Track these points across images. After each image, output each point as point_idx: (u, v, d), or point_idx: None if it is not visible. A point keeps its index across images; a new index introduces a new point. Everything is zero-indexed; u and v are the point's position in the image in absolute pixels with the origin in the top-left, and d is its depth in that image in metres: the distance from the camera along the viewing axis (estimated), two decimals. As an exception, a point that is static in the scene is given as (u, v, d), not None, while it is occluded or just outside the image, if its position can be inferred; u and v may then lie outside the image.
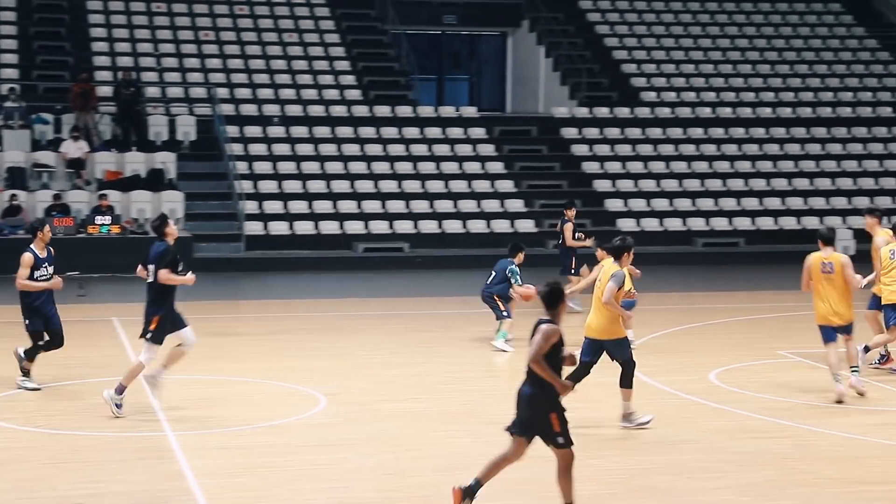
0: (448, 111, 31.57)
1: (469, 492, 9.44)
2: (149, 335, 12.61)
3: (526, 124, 31.75)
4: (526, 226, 28.03)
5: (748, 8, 36.65)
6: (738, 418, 13.00)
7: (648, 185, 29.66)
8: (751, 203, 29.29)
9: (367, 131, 29.95)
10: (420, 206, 28.10)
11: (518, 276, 17.08)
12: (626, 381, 12.42)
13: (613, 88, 32.75)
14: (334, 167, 28.89)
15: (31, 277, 13.82)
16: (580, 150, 30.49)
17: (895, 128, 32.12)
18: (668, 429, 12.55)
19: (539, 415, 9.28)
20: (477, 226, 27.98)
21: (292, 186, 28.14)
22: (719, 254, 27.85)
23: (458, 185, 28.93)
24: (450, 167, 29.40)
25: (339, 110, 30.49)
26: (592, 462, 11.27)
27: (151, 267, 12.66)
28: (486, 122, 31.31)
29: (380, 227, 27.56)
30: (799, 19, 36.35)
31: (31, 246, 13.97)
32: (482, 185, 29.05)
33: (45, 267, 13.89)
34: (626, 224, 28.38)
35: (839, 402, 13.50)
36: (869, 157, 31.04)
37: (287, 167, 28.65)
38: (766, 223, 28.82)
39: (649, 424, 12.43)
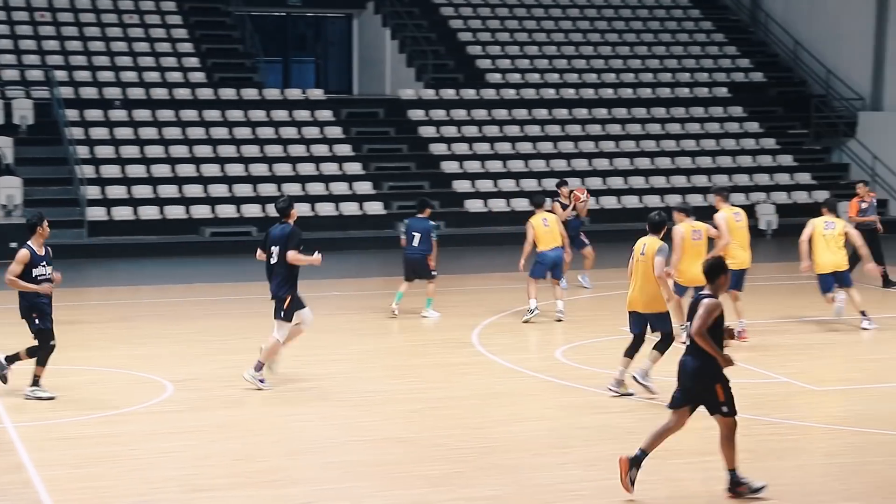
0: (294, 93, 31.34)
1: (636, 461, 9.80)
2: (282, 314, 13.17)
3: (373, 106, 31.73)
4: (375, 208, 28.05)
5: (589, -10, 37.27)
6: (584, 394, 13.26)
7: (495, 165, 29.96)
8: (594, 182, 29.79)
9: (213, 114, 29.56)
10: (268, 189, 27.88)
11: (437, 231, 18.07)
12: (662, 349, 12.82)
13: (459, 70, 32.96)
14: (179, 151, 28.44)
15: (29, 276, 12.67)
16: (427, 131, 30.62)
17: (730, 108, 33.03)
18: (516, 407, 12.75)
19: (704, 386, 9.67)
20: (325, 208, 27.88)
21: (136, 171, 27.62)
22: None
23: (306, 168, 28.78)
24: (297, 150, 29.22)
25: (182, 93, 30.01)
26: (441, 441, 11.38)
27: (275, 248, 13.07)
28: (333, 104, 31.19)
29: (227, 211, 27.25)
30: (638, 1, 37.09)
31: (29, 243, 12.82)
32: (330, 168, 28.96)
33: (44, 266, 12.81)
34: (475, 205, 28.63)
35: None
36: (706, 137, 31.88)
37: (130, 151, 28.10)
38: (609, 202, 29.38)
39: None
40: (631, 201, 29.52)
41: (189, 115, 29.37)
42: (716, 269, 9.65)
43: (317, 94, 31.68)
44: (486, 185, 29.26)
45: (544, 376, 14.12)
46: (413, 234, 17.86)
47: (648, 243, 12.81)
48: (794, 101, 33.74)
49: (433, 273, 17.87)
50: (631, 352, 12.99)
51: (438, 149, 30.17)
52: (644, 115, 32.25)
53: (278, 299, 13.19)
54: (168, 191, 27.39)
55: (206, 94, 30.11)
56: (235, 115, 29.72)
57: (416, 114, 31.08)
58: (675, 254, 14.66)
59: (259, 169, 28.43)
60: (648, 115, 32.28)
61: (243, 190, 27.81)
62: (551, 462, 10.80)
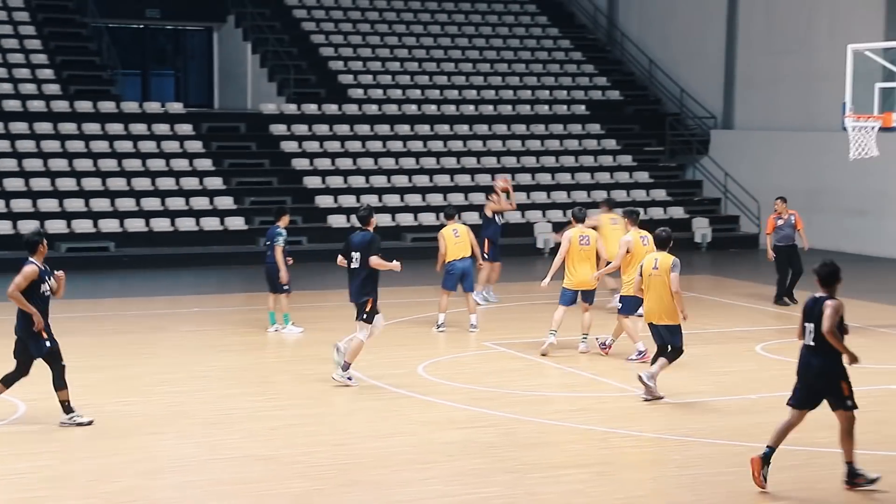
0: (153, 107, 30.89)
1: (765, 459, 10.37)
2: (364, 316, 13.99)
3: (234, 121, 31.48)
4: (236, 223, 27.79)
5: (450, 7, 37.59)
6: (446, 409, 13.34)
7: (358, 181, 29.96)
8: (456, 198, 30.00)
9: (68, 127, 28.95)
10: (126, 204, 27.41)
11: (282, 239, 17.51)
12: (671, 358, 13.62)
13: (321, 85, 32.91)
14: (33, 164, 27.77)
15: (33, 293, 12.08)
16: (290, 146, 30.49)
17: (589, 125, 33.63)
18: (377, 423, 12.77)
19: (830, 382, 10.35)
20: (186, 224, 27.52)
21: (-12, 185, 26.89)
22: (427, 248, 28.34)
23: (166, 183, 28.37)
24: (156, 164, 28.79)
25: (36, 105, 29.33)
26: (302, 458, 11.33)
27: (356, 254, 13.91)
28: (193, 118, 30.83)
29: (84, 226, 26.69)
30: (498, 19, 37.56)
31: (33, 259, 12.18)
32: (191, 183, 28.61)
33: (47, 282, 12.19)
34: (337, 220, 28.58)
35: (543, 354, 15.91)
36: (565, 154, 32.39)
37: (-19, 165, 27.36)
38: (471, 218, 29.52)
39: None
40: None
41: (44, 127, 28.72)
42: (834, 275, 10.41)
43: (176, 107, 31.28)
44: (348, 201, 29.24)
45: (406, 392, 14.16)
46: (266, 242, 17.96)
47: (661, 258, 13.59)
48: (649, 119, 34.52)
49: (284, 287, 17.65)
50: (655, 358, 13.77)
51: (301, 164, 30.06)
52: (505, 131, 32.62)
53: (360, 303, 14.03)
54: (22, 205, 26.74)
55: (61, 106, 29.48)
56: (92, 128, 29.16)
57: (278, 128, 30.92)
58: (558, 257, 16.08)
59: (117, 183, 27.93)
60: (509, 131, 32.67)
61: (100, 204, 27.29)
62: (413, 478, 10.84)
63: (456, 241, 17.99)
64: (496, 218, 21.09)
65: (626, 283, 15.56)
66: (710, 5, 33.87)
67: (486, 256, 20.40)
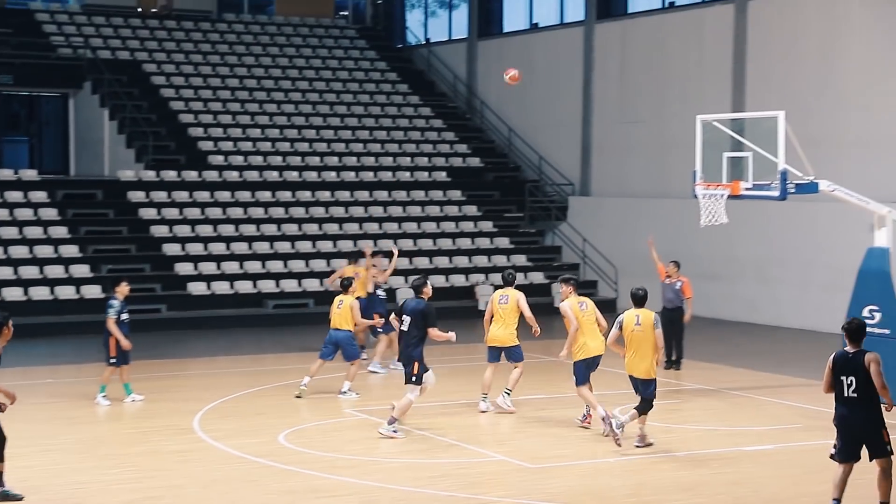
0: (6, 174, 30.22)
1: None
2: (413, 378, 14.97)
3: (91, 188, 30.93)
4: (93, 291, 27.24)
5: (311, 75, 37.75)
6: (306, 478, 13.22)
7: (219, 248, 29.70)
8: (319, 265, 29.96)
9: (-84, 195, 28.13)
10: (-23, 273, 26.66)
11: (114, 310, 17.17)
12: (642, 410, 14.52)
13: (180, 152, 32.64)
14: None
15: None
16: (148, 213, 30.10)
17: (450, 191, 33.97)
18: (236, 494, 12.59)
19: (874, 432, 11.10)
20: (40, 293, 26.88)
21: None
22: (290, 315, 28.24)
23: (19, 251, 27.71)
24: (9, 232, 28.12)
25: None
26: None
27: (407, 318, 15.00)
28: (48, 185, 30.23)
29: (-69, 296, 25.88)
30: (359, 87, 37.82)
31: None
32: (45, 251, 27.99)
33: None
34: (198, 288, 28.25)
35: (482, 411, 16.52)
36: (427, 220, 32.62)
37: None
38: (335, 283, 29.52)
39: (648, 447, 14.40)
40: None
41: None
42: (862, 329, 11.43)
43: (30, 174, 30.67)
44: (209, 268, 28.94)
45: (266, 461, 14.00)
46: None
47: (643, 315, 14.45)
48: (509, 185, 35.04)
49: (111, 359, 17.31)
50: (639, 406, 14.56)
51: (160, 231, 29.68)
52: (367, 198, 32.74)
53: (407, 367, 15.06)
54: None
55: None
56: (-58, 195, 28.39)
57: (137, 195, 30.52)
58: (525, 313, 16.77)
59: (-32, 252, 27.19)
60: (371, 197, 32.79)
61: (-50, 274, 26.51)
62: (272, 549, 10.70)
63: (337, 311, 18.14)
64: (377, 291, 21.19)
65: (577, 350, 15.63)
66: (566, 75, 34.66)
67: (380, 330, 20.49)
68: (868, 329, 17.41)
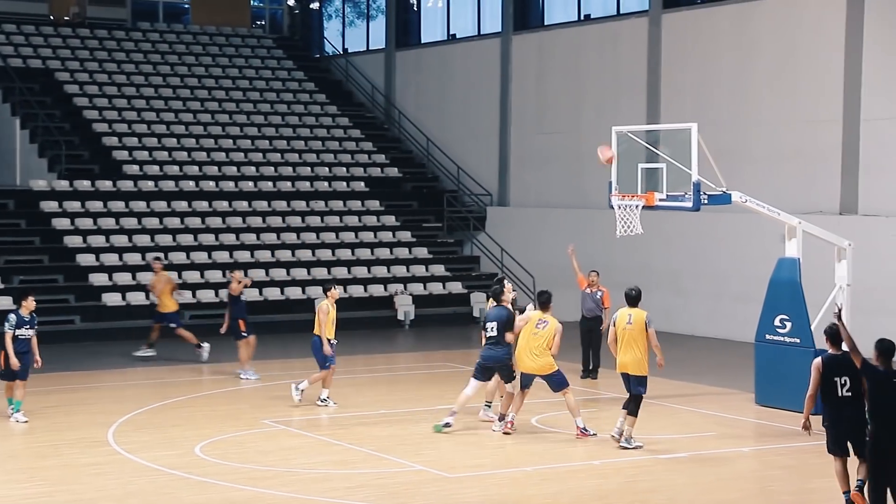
0: (-85, 182, 29.61)
1: (860, 489, 11.59)
2: (512, 376, 16.06)
3: (2, 198, 30.39)
4: (3, 302, 26.69)
5: (227, 84, 37.50)
6: (222, 490, 13.12)
7: (134, 258, 29.35)
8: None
9: None
10: None
11: (9, 325, 16.81)
12: (635, 410, 15.10)
13: (94, 161, 32.22)
14: None
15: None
16: (62, 223, 29.65)
17: (368, 201, 33.95)
18: (152, 506, 12.47)
19: (860, 430, 11.55)
20: (-51, 304, 26.36)
21: None
22: (207, 325, 27.93)
23: (-73, 262, 27.16)
24: (-83, 242, 27.55)
25: None
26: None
27: (491, 325, 16.11)
28: (-44, 194, 29.69)
29: None
30: (277, 97, 37.65)
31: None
32: (-46, 261, 27.49)
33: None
34: (112, 298, 27.87)
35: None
36: (345, 230, 32.56)
37: None
38: (251, 294, 29.31)
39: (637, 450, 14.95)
40: (273, 293, 29.62)
41: None
42: (839, 334, 11.87)
43: (-60, 183, 30.10)
44: (124, 278, 28.57)
45: (182, 473, 13.87)
46: None
47: (634, 314, 15.09)
48: (427, 195, 35.10)
49: (13, 374, 16.90)
50: (627, 404, 15.18)
51: (73, 241, 29.25)
52: (285, 207, 32.58)
53: (505, 366, 16.06)
54: None
55: None
56: None
57: (49, 205, 30.06)
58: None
59: None
60: (289, 207, 32.64)
61: None
62: (187, 562, 10.61)
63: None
64: (241, 296, 21.62)
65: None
66: (484, 86, 34.84)
67: (244, 334, 20.88)
68: (778, 338, 17.81)
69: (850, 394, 11.66)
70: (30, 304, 17.12)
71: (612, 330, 15.31)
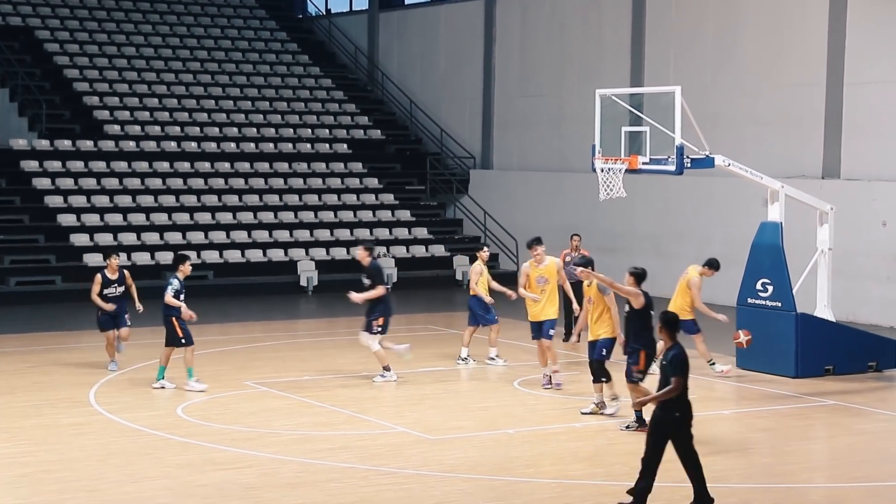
0: None
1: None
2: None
3: (-18, 157, 30.24)
4: (-17, 263, 26.67)
5: (209, 44, 37.25)
6: (204, 451, 13.13)
7: (115, 219, 29.22)
8: (218, 236, 29.68)
9: None
10: None
11: (174, 288, 16.28)
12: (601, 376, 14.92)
13: (75, 121, 32.02)
14: None
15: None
16: (42, 183, 29.49)
17: (351, 163, 33.85)
18: (132, 466, 12.45)
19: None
20: (-71, 264, 26.23)
21: None
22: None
23: None
24: None
25: None
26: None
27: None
28: (-63, 153, 29.46)
29: None
30: (259, 57, 37.44)
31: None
32: (-66, 221, 27.33)
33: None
34: (94, 259, 27.73)
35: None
36: (328, 192, 32.47)
37: None
38: (233, 256, 29.31)
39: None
40: (256, 255, 29.56)
41: None
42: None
43: (-81, 142, 29.88)
44: (105, 239, 28.46)
45: (164, 434, 13.87)
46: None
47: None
48: (411, 158, 35.01)
49: (181, 340, 16.39)
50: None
51: (54, 201, 29.11)
52: (267, 169, 32.46)
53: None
54: None
55: None
56: None
57: (30, 165, 29.89)
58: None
59: None
60: (271, 169, 32.52)
61: None
62: (169, 522, 10.62)
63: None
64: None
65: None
66: (468, 48, 34.70)
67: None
68: (760, 302, 17.85)
69: None
70: (186, 269, 16.68)
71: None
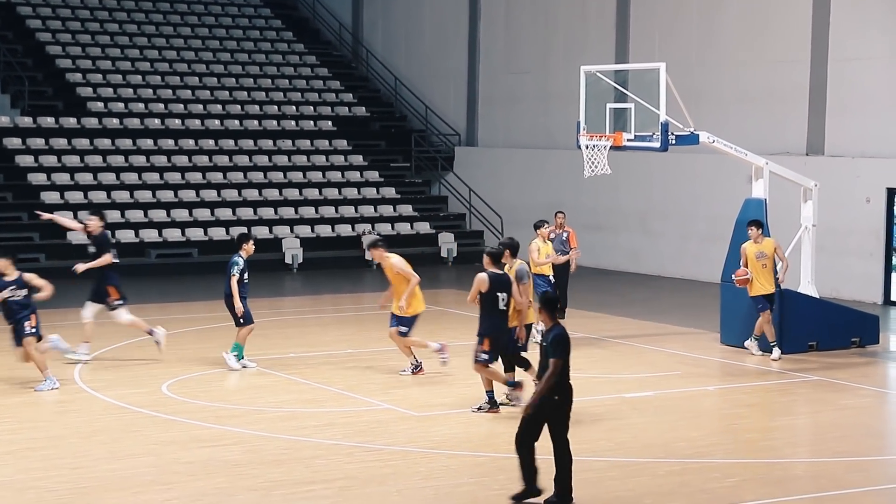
0: None
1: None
2: None
3: (-35, 134, 30.09)
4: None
5: (193, 21, 37.08)
6: (189, 428, 13.13)
7: (99, 196, 29.13)
8: (203, 214, 29.61)
9: None
10: None
11: (238, 268, 16.08)
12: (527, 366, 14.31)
13: (58, 98, 31.87)
14: None
15: None
16: (25, 160, 29.37)
17: (335, 140, 33.77)
18: (117, 444, 12.45)
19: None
20: (-89, 242, 26.10)
21: None
22: (173, 265, 27.91)
23: None
24: None
25: None
26: (37, 483, 10.95)
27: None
28: (-81, 130, 29.29)
29: None
30: (243, 34, 37.29)
31: None
32: (-84, 198, 27.18)
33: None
34: (77, 236, 27.60)
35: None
36: (313, 169, 32.40)
37: None
38: (218, 233, 29.24)
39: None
40: (235, 232, 29.44)
41: None
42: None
43: None
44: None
45: (148, 411, 13.86)
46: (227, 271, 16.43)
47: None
48: (395, 135, 34.95)
49: (240, 320, 16.31)
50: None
51: (37, 179, 29.00)
52: (251, 146, 32.37)
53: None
54: None
55: None
56: None
57: (13, 142, 29.76)
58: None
59: None
60: (255, 146, 32.44)
61: None
62: (153, 499, 10.62)
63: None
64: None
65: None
66: (452, 25, 34.61)
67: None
68: (744, 278, 17.88)
69: (506, 307, 13.44)
70: (249, 248, 16.39)
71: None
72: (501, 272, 13.77)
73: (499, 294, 13.56)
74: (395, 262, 16.02)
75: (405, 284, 15.82)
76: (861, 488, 11.28)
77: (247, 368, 16.38)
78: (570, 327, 19.97)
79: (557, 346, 10.38)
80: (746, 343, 17.83)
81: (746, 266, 17.44)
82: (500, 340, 13.75)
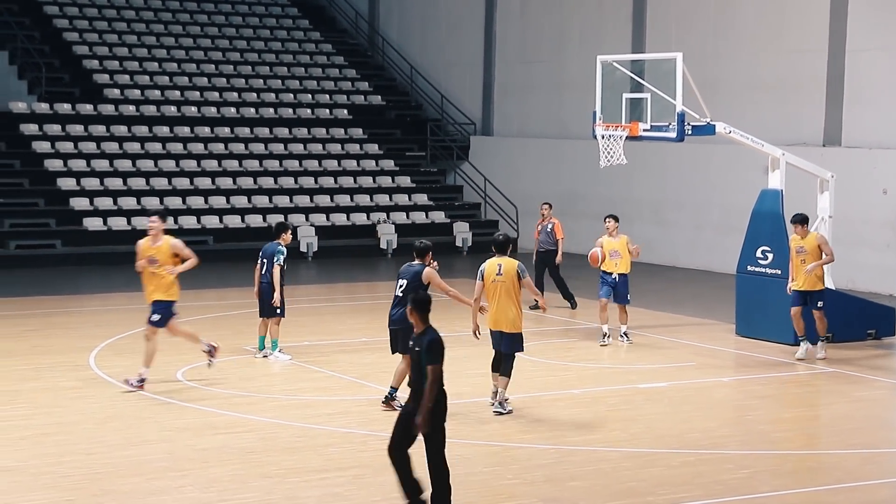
0: None
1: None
2: None
3: (-18, 120, 30.18)
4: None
5: (209, 8, 37.09)
6: (203, 415, 13.17)
7: (115, 183, 29.19)
8: (218, 201, 29.65)
9: None
10: None
11: (283, 257, 15.90)
12: (508, 371, 13.41)
13: (75, 84, 31.92)
14: None
15: None
16: (42, 147, 29.45)
17: (351, 129, 33.78)
18: (131, 430, 12.50)
19: None
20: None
21: None
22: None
23: None
24: None
25: None
26: (51, 468, 11.00)
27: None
28: (-64, 116, 29.40)
29: None
30: (259, 21, 37.29)
31: None
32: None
33: None
34: (94, 223, 27.77)
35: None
36: (328, 158, 32.42)
37: None
38: (233, 221, 29.29)
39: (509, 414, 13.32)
40: (255, 220, 29.53)
41: None
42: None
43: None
44: (105, 203, 28.45)
45: (163, 398, 13.90)
46: (263, 259, 16.05)
47: (504, 264, 13.24)
48: (411, 124, 34.92)
49: (277, 311, 16.00)
50: (497, 366, 13.55)
51: (54, 165, 29.07)
52: (267, 134, 32.40)
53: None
54: None
55: None
56: None
57: (30, 128, 29.83)
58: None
59: None
60: (271, 134, 32.46)
61: None
62: (168, 485, 10.65)
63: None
64: None
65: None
66: (468, 14, 34.55)
67: None
68: (760, 269, 17.84)
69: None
70: (288, 237, 16.15)
71: (479, 284, 13.39)
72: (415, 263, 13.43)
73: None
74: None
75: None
76: (875, 480, 11.26)
77: (278, 359, 16.22)
78: (583, 317, 20.00)
79: (432, 351, 9.62)
80: (818, 354, 16.97)
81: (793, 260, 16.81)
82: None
